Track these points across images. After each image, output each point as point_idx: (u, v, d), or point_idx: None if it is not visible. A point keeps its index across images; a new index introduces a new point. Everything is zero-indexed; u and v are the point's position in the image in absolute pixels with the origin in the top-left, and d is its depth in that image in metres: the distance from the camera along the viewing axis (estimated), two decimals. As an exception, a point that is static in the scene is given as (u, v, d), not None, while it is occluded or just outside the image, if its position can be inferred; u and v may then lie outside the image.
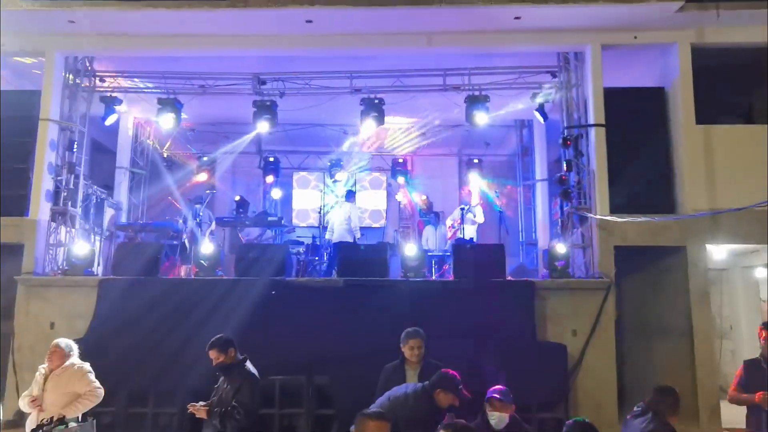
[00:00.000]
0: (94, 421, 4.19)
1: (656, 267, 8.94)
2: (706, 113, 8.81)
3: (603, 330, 8.07)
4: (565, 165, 8.91)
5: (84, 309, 8.05)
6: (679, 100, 8.72)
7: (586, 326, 8.05)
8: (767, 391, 4.58)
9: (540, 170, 11.77)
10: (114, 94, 9.73)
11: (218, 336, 4.79)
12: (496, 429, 4.43)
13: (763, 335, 4.96)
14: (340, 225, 11.34)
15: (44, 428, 3.85)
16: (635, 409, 4.36)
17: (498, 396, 4.50)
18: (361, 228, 12.07)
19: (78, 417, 4.66)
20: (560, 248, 8.48)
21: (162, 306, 7.64)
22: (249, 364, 4.75)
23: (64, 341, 5.58)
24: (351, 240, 11.03)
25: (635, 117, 8.88)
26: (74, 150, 9.09)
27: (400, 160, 12.64)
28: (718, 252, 10.07)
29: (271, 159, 12.55)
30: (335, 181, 12.99)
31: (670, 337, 8.65)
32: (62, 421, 4.05)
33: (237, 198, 11.42)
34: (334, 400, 7.28)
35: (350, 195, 11.99)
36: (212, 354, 4.73)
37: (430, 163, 13.41)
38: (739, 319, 11.60)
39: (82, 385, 5.17)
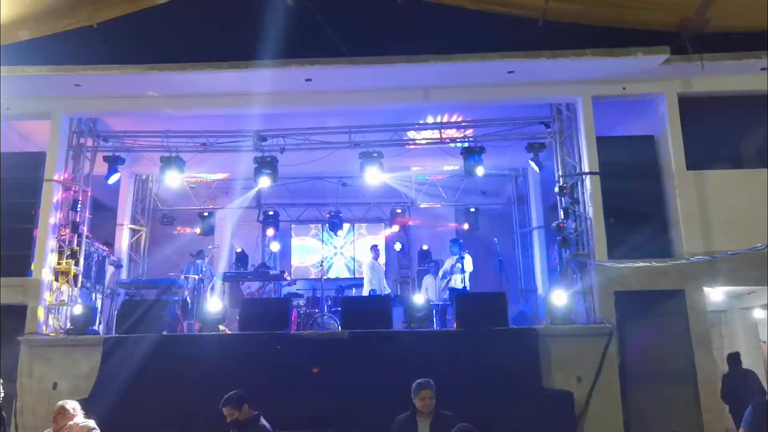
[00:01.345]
0: None
1: (657, 311, 9.01)
2: (697, 159, 9.06)
3: (607, 376, 8.11)
4: (562, 213, 9.09)
5: (87, 368, 8.03)
6: (669, 147, 8.96)
7: (591, 372, 8.09)
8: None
9: (536, 217, 11.97)
10: (117, 154, 9.92)
11: (232, 392, 4.82)
12: None
13: None
14: (368, 282, 11.45)
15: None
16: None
17: None
18: (360, 278, 12.15)
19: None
20: (560, 295, 8.58)
21: (168, 363, 7.66)
22: (263, 420, 4.77)
23: (68, 402, 5.63)
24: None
25: (629, 164, 9.10)
26: (78, 209, 9.21)
27: (399, 210, 12.80)
28: (715, 294, 10.17)
29: (271, 212, 12.69)
30: (335, 233, 13.11)
31: (675, 381, 8.63)
32: None
33: (238, 250, 11.51)
34: (343, 456, 7.22)
35: (374, 251, 12.03)
36: (226, 411, 4.75)
37: (428, 212, 13.59)
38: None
39: None
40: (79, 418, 5.46)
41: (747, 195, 8.71)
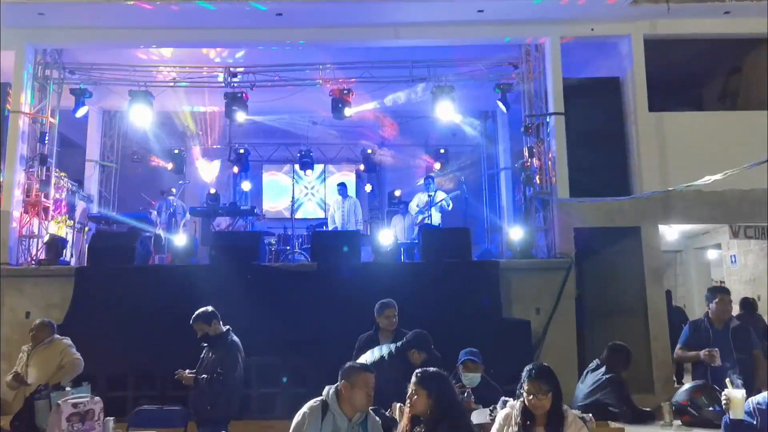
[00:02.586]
0: (90, 385, 4.36)
1: (613, 248, 9.41)
2: (659, 101, 9.30)
3: (564, 308, 8.48)
4: (526, 152, 9.32)
5: (59, 298, 8.13)
6: (633, 88, 9.17)
7: (549, 305, 8.45)
8: (710, 348, 5.03)
9: (503, 159, 12.20)
10: (84, 87, 9.81)
11: (202, 309, 5.02)
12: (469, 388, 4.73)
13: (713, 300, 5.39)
14: (341, 221, 11.55)
15: (41, 393, 4.03)
16: (591, 365, 4.77)
17: (471, 357, 4.85)
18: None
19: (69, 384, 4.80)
20: (521, 231, 8.90)
21: (140, 293, 7.79)
22: (233, 336, 5.00)
23: (46, 319, 5.75)
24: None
25: (593, 105, 9.30)
26: (45, 142, 9.16)
27: (369, 151, 12.91)
28: (671, 234, 10.62)
29: (241, 151, 12.68)
30: (305, 172, 13.16)
31: (627, 315, 9.11)
32: (57, 387, 4.24)
33: (212, 191, 11.57)
34: (309, 380, 7.51)
35: (344, 190, 12.01)
36: (196, 326, 4.96)
37: (398, 154, 13.72)
38: (692, 298, 12.24)
39: (64, 356, 5.33)
40: (56, 335, 5.61)
41: (706, 137, 8.95)
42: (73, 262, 9.62)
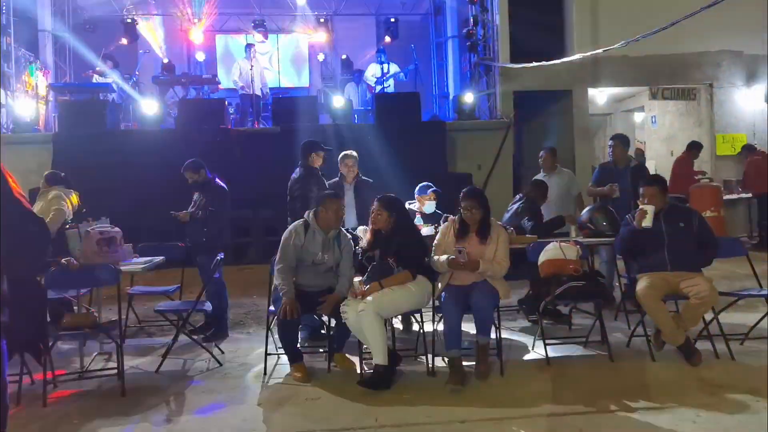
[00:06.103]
0: (108, 218, 5.09)
1: (548, 110, 10.41)
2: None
3: (502, 165, 9.57)
4: (472, 20, 9.96)
5: (36, 164, 8.62)
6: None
7: (490, 162, 9.52)
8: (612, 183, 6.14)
9: (451, 28, 12.72)
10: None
11: (191, 160, 5.72)
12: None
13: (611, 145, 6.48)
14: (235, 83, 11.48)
15: (70, 225, 4.78)
16: (515, 198, 5.84)
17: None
18: (289, 89, 12.81)
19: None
20: (467, 95, 9.73)
21: (114, 156, 8.41)
22: (218, 180, 5.78)
23: (52, 171, 6.09)
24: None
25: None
26: (2, 11, 9.24)
27: (321, 20, 13.20)
28: (600, 97, 11.63)
29: (196, 20, 12.79)
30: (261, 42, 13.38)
31: (559, 170, 10.25)
32: (82, 219, 4.97)
33: (165, 61, 11.79)
34: (278, 229, 8.46)
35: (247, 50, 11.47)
36: (187, 174, 5.68)
37: (350, 23, 14.02)
38: (619, 158, 13.45)
39: (52, 205, 5.62)
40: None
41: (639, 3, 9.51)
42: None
